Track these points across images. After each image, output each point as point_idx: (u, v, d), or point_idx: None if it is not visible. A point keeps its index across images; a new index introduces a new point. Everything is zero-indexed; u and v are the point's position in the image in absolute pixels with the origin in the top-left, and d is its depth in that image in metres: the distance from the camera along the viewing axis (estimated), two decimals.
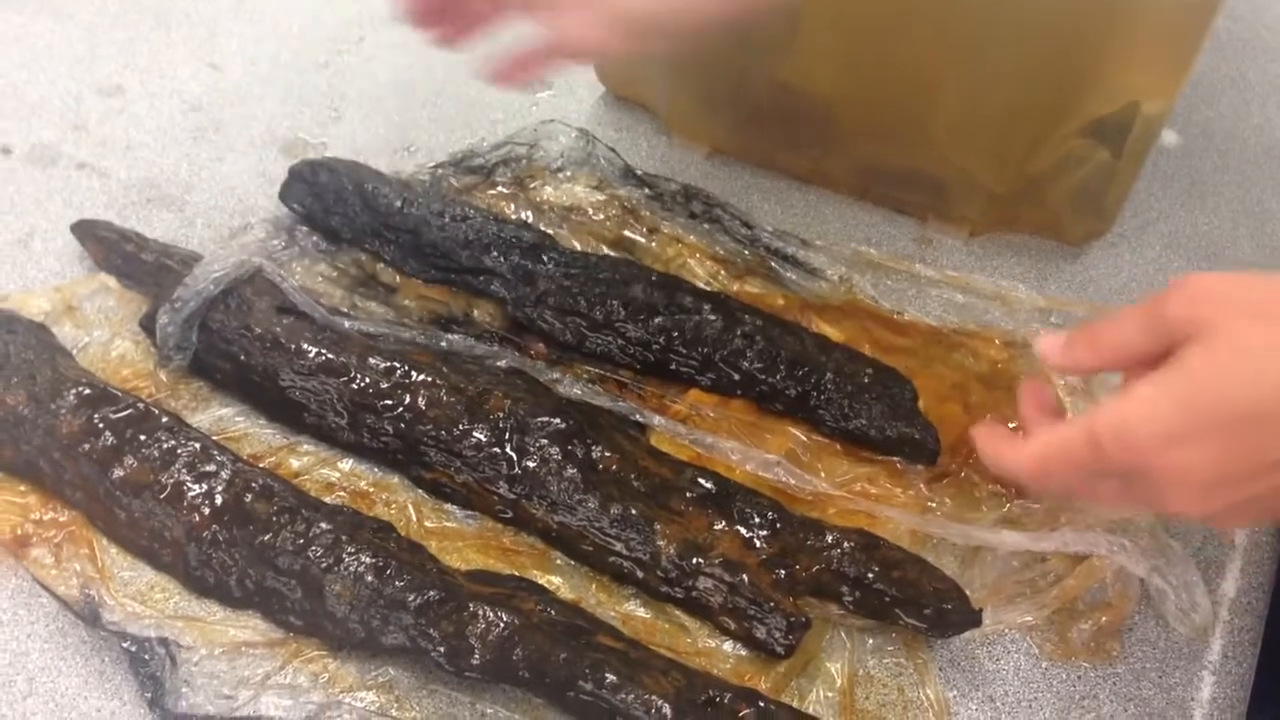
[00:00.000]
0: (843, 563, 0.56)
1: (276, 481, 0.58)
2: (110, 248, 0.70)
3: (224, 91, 0.86)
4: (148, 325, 0.65)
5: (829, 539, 0.57)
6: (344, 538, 0.55)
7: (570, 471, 0.59)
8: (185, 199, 0.77)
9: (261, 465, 0.61)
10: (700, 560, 0.56)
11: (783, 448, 0.64)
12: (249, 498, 0.57)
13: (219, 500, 0.57)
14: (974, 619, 0.55)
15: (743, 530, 0.58)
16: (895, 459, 0.64)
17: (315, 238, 0.73)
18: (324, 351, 0.63)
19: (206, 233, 0.74)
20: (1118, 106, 0.66)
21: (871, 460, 0.64)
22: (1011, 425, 0.65)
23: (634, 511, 0.58)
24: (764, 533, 0.57)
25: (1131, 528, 0.58)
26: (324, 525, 0.56)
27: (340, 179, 0.73)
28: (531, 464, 0.59)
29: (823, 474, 0.63)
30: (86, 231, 0.71)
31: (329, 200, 0.73)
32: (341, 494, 0.61)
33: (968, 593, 0.56)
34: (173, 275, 0.66)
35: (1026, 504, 0.62)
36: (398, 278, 0.72)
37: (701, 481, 0.59)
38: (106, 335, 0.67)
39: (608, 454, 0.60)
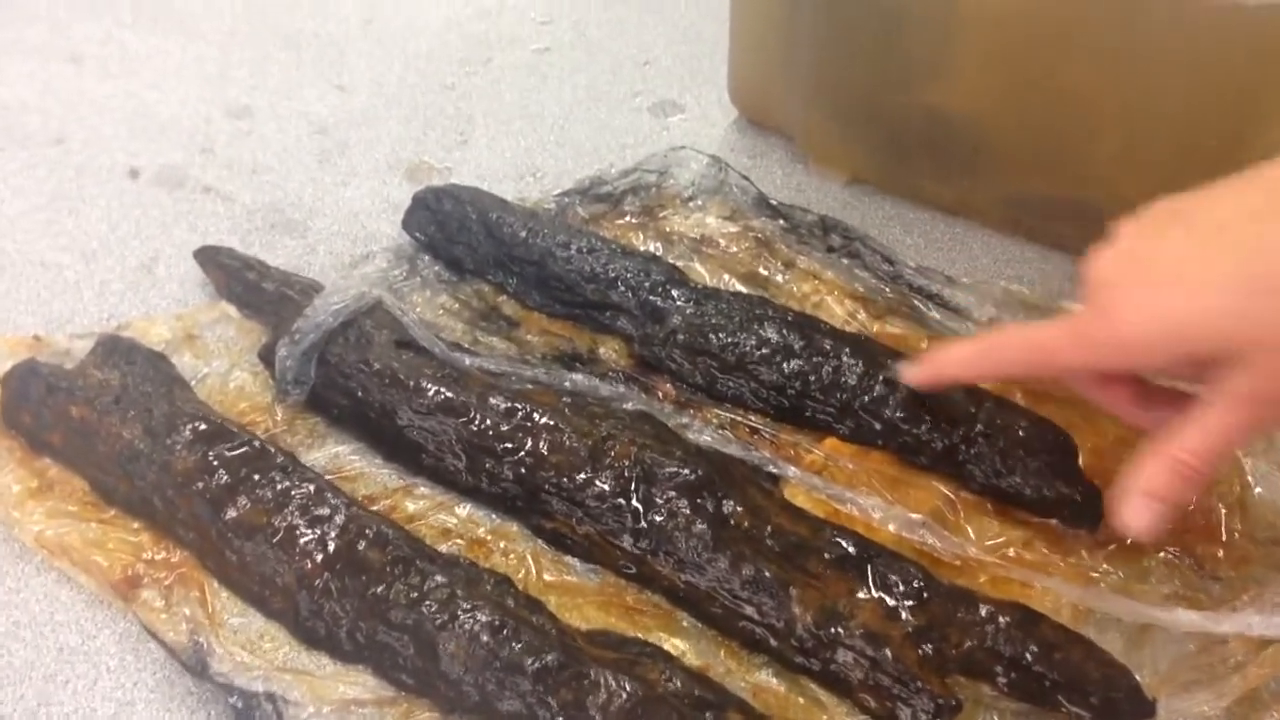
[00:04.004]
0: (998, 640, 0.51)
1: (391, 529, 0.56)
2: (232, 275, 0.69)
3: (350, 114, 0.85)
4: (266, 357, 0.64)
5: (983, 612, 0.52)
6: (459, 592, 0.52)
7: (699, 527, 0.55)
8: (308, 224, 0.76)
9: (376, 508, 0.58)
10: (839, 630, 0.52)
11: (928, 505, 0.59)
12: (362, 545, 0.54)
13: (331, 547, 0.54)
14: (1147, 709, 0.49)
15: (886, 598, 0.53)
16: (1053, 521, 0.59)
17: (437, 267, 0.71)
18: (443, 390, 0.60)
19: (328, 260, 0.73)
20: None
21: (1026, 522, 0.59)
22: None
23: (767, 573, 0.54)
24: (909, 602, 0.53)
25: None
26: (439, 578, 0.53)
27: (464, 207, 0.71)
28: (658, 518, 0.56)
29: (972, 535, 0.58)
30: (209, 258, 0.70)
31: (452, 229, 0.71)
32: (458, 541, 0.58)
33: (1138, 678, 0.50)
34: (293, 306, 0.65)
35: (1204, 575, 0.56)
36: (521, 311, 0.70)
37: (841, 542, 0.55)
38: (225, 366, 0.65)
39: (739, 509, 0.56)
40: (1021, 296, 0.69)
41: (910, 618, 0.52)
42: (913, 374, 0.57)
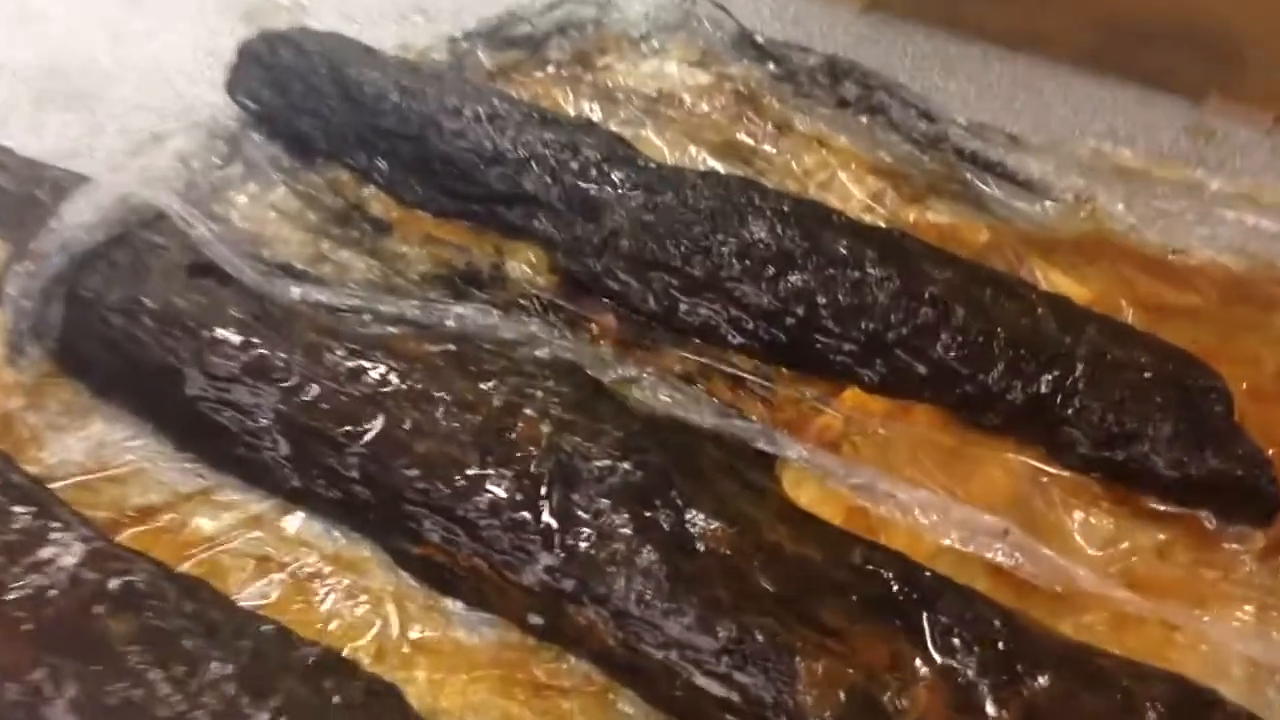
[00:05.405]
0: None
1: (152, 573, 0.39)
2: None
3: None
4: None
5: (1117, 694, 0.35)
6: (253, 686, 0.35)
7: (648, 555, 0.39)
8: (100, 94, 0.63)
9: (158, 524, 0.43)
10: None
11: (1005, 492, 0.45)
12: (101, 608, 0.38)
13: (51, 612, 0.38)
14: None
15: (955, 669, 0.36)
16: (1202, 513, 0.43)
17: (274, 149, 0.59)
18: (254, 340, 0.45)
19: (119, 142, 0.60)
20: None
21: (1159, 515, 0.44)
22: None
23: (758, 632, 0.37)
24: (993, 677, 0.35)
25: None
26: (218, 666, 0.36)
27: (310, 59, 0.60)
28: (582, 542, 0.39)
29: (1077, 538, 0.42)
30: None
31: (295, 92, 0.59)
32: (280, 577, 0.42)
33: None
34: (39, 212, 0.49)
35: None
36: (395, 209, 0.57)
37: (876, 570, 0.38)
38: None
39: (713, 523, 0.40)
40: (1119, 160, 0.61)
41: (998, 709, 0.35)
42: None
